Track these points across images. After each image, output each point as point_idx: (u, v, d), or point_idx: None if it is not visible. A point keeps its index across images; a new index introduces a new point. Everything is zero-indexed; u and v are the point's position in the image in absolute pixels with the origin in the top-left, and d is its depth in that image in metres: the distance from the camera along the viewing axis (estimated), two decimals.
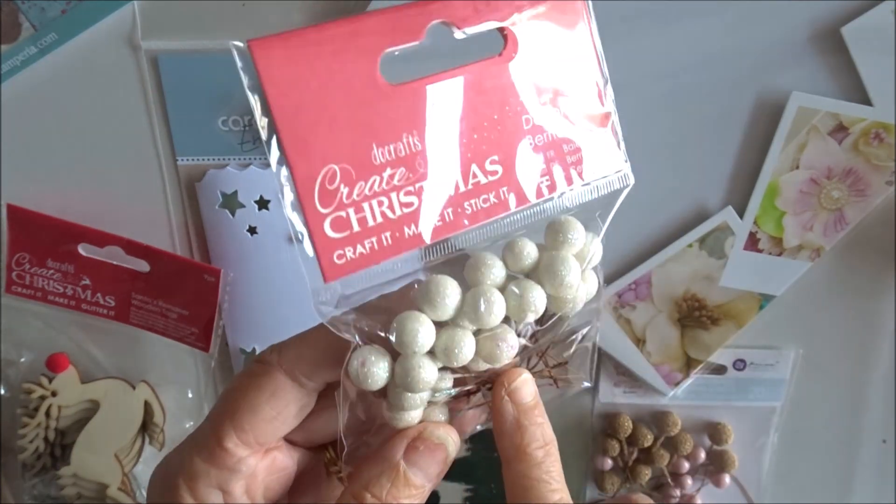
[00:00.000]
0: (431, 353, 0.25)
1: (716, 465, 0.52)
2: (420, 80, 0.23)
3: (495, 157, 0.24)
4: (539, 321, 0.26)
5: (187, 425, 0.51)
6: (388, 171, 0.23)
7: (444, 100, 0.24)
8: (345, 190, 0.23)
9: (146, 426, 0.49)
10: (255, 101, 0.23)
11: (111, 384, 0.48)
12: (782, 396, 0.50)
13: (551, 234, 0.25)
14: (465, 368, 0.26)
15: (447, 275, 0.25)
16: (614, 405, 0.52)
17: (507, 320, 0.25)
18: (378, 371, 0.24)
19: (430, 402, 0.26)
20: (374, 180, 0.23)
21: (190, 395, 0.50)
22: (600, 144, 0.26)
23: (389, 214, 0.23)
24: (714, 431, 0.51)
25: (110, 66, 0.42)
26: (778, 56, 0.42)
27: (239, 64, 0.23)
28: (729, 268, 0.45)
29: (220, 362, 0.50)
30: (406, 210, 0.23)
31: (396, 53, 0.23)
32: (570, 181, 0.25)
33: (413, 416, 0.26)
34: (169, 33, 0.41)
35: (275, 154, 0.22)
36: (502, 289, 0.25)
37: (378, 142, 0.23)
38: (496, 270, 0.25)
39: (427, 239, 0.24)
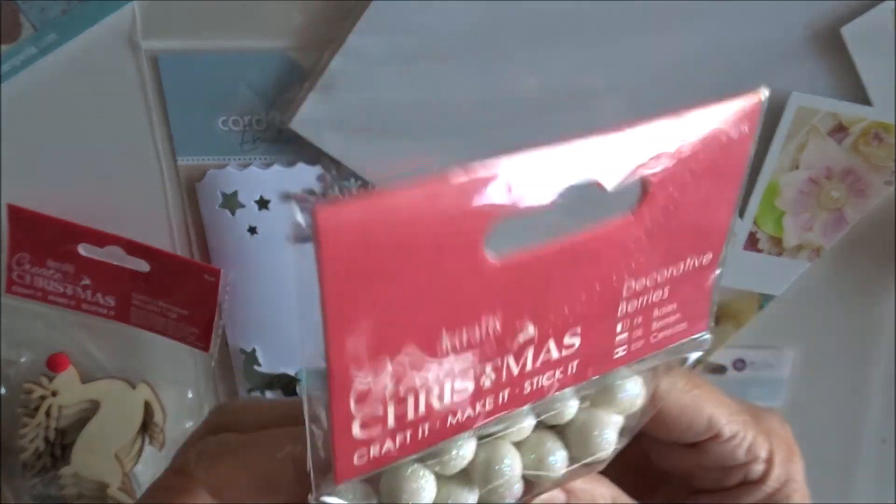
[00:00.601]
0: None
1: None
2: (529, 253, 0.17)
3: (577, 330, 0.19)
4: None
5: (187, 425, 0.51)
6: (451, 360, 0.18)
7: (550, 275, 0.18)
8: (390, 386, 0.17)
9: (146, 426, 0.49)
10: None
11: (111, 384, 0.48)
12: (782, 396, 0.50)
13: (601, 395, 0.22)
14: None
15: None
16: None
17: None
18: None
19: None
20: (430, 369, 0.17)
21: (190, 395, 0.50)
22: (694, 307, 0.21)
23: (436, 405, 0.18)
24: None
25: (110, 65, 0.42)
26: (778, 56, 0.42)
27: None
28: (729, 268, 0.45)
29: (220, 362, 0.50)
30: (457, 398, 0.18)
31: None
32: (646, 351, 0.21)
33: None
34: (169, 33, 0.41)
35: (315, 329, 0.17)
36: (523, 440, 0.21)
37: (450, 326, 0.17)
38: (526, 421, 0.21)
39: (471, 425, 0.19)
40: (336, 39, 0.40)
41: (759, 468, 0.26)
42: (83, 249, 0.45)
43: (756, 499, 0.26)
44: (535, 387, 0.20)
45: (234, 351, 0.50)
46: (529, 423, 0.21)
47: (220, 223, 0.45)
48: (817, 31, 0.41)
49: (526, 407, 0.20)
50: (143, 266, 0.45)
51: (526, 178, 0.16)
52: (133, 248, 0.45)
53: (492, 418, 0.19)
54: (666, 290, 0.20)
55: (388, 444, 0.18)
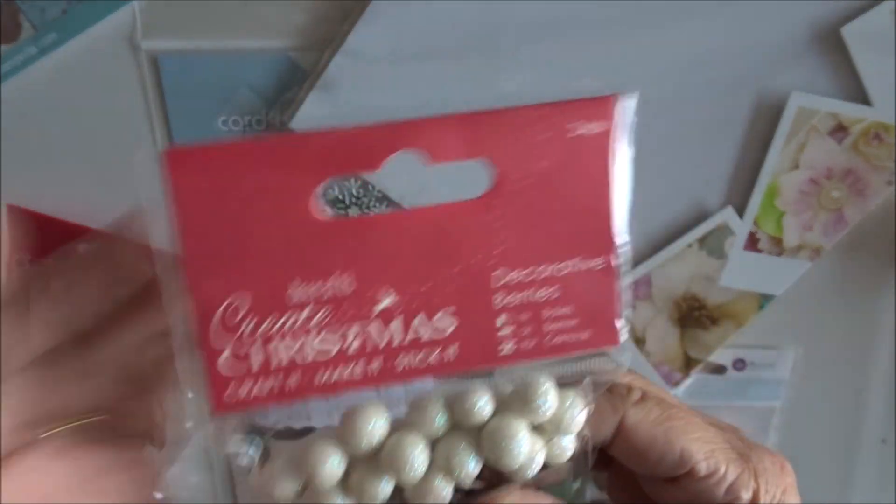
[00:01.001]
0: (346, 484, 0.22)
1: None
2: (366, 216, 0.21)
3: (448, 311, 0.21)
4: (490, 476, 0.23)
5: (187, 425, 0.51)
6: (308, 311, 0.20)
7: (395, 240, 0.20)
8: (249, 325, 0.20)
9: None
10: (156, 216, 0.19)
11: None
12: (782, 396, 0.50)
13: (515, 395, 0.22)
14: None
15: (380, 407, 0.22)
16: None
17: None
18: (288, 487, 0.22)
19: None
20: (288, 319, 0.20)
21: (190, 396, 0.50)
22: (596, 316, 0.22)
23: (299, 359, 0.20)
24: None
25: (110, 66, 0.42)
26: (778, 56, 0.42)
27: (146, 172, 0.19)
28: (729, 268, 0.45)
29: None
30: (321, 357, 0.20)
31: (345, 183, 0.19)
32: (539, 353, 0.21)
33: None
34: (169, 33, 0.41)
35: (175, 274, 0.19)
36: (438, 439, 0.22)
37: (301, 277, 0.20)
38: (438, 421, 0.22)
39: (341, 388, 0.21)
40: (336, 39, 0.40)
41: None
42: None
43: None
44: (408, 365, 0.21)
45: None
46: (438, 417, 0.22)
47: None
48: (817, 31, 0.41)
49: (435, 395, 0.22)
50: None
51: (356, 144, 0.19)
52: None
53: (364, 387, 0.21)
54: (554, 290, 0.21)
55: (257, 389, 0.21)
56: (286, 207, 0.19)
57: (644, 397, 0.25)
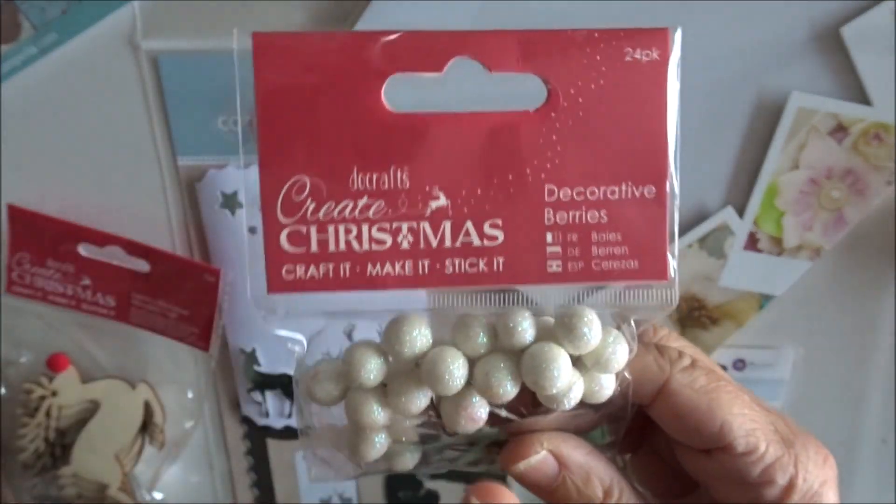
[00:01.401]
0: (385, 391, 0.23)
1: None
2: (427, 114, 0.21)
3: (497, 222, 0.21)
4: (525, 407, 0.23)
5: (187, 425, 0.51)
6: (365, 200, 0.21)
7: (452, 142, 0.21)
8: (311, 205, 0.21)
9: (146, 426, 0.49)
10: (241, 94, 0.22)
11: (111, 384, 0.48)
12: (782, 396, 0.50)
13: (559, 327, 0.22)
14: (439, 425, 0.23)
15: (424, 318, 0.22)
16: None
17: None
18: (328, 388, 0.23)
19: (399, 450, 0.24)
20: (347, 205, 0.21)
21: (190, 395, 0.50)
22: (644, 245, 0.22)
23: (355, 245, 0.21)
24: None
25: (110, 66, 0.42)
26: (778, 56, 0.42)
27: (236, 51, 0.22)
28: (728, 268, 0.45)
29: (220, 362, 0.50)
30: (375, 247, 0.21)
31: (411, 80, 0.21)
32: (586, 277, 0.22)
33: (368, 451, 0.23)
34: (169, 33, 0.41)
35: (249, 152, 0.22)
36: (478, 358, 0.22)
37: (361, 166, 0.21)
38: (480, 339, 0.22)
39: (390, 284, 0.21)
40: None
41: (773, 492, 0.23)
42: (83, 249, 0.45)
43: None
44: (457, 269, 0.22)
45: (234, 351, 0.50)
46: (480, 336, 0.22)
47: (220, 223, 0.45)
48: (817, 31, 0.41)
49: (478, 316, 0.22)
50: (143, 266, 0.45)
51: (422, 46, 0.21)
52: (133, 248, 0.45)
53: (413, 286, 0.22)
54: (603, 213, 0.22)
55: (313, 271, 0.22)
56: (354, 98, 0.21)
57: (694, 364, 0.24)
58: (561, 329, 0.22)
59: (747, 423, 0.23)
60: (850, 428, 0.51)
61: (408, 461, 0.24)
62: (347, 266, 0.22)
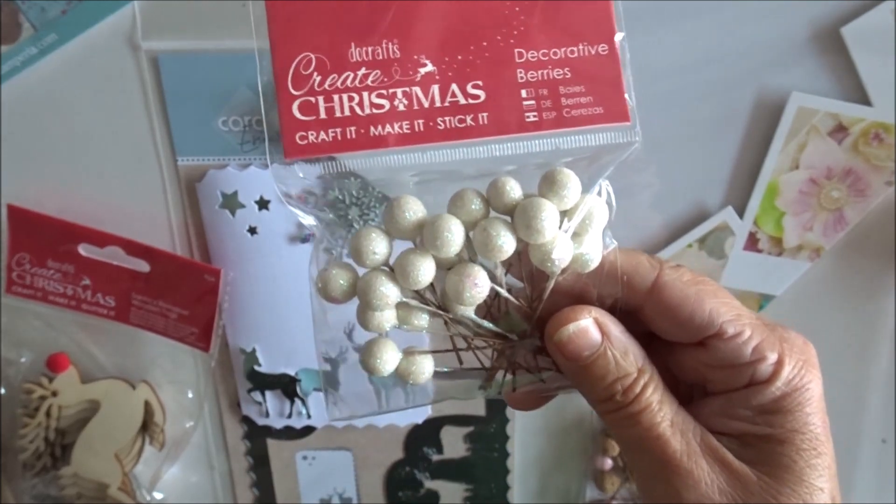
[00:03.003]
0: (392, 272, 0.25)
1: None
2: None
3: (479, 83, 0.25)
4: (523, 279, 0.26)
5: (187, 425, 0.51)
6: (363, 71, 0.25)
7: (433, 17, 0.25)
8: (317, 78, 0.25)
9: (146, 426, 0.49)
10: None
11: (111, 384, 0.48)
12: None
13: (542, 183, 0.25)
14: (444, 310, 0.26)
15: (417, 200, 0.25)
16: None
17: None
18: (338, 280, 0.25)
19: (410, 351, 0.27)
20: (348, 76, 0.25)
21: (190, 395, 0.50)
22: (606, 95, 0.25)
23: (358, 111, 0.25)
24: None
25: (110, 66, 0.42)
26: (778, 56, 0.42)
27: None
28: (729, 268, 0.45)
29: (220, 362, 0.50)
30: (375, 111, 0.25)
31: None
32: (559, 124, 0.25)
33: (380, 324, 0.26)
34: (169, 33, 0.41)
35: (261, 37, 0.25)
36: (476, 222, 0.25)
37: (357, 41, 0.25)
38: (474, 205, 0.25)
39: (392, 142, 0.25)
40: None
41: (766, 368, 0.25)
42: (83, 249, 0.45)
43: (764, 399, 0.25)
44: (448, 125, 0.25)
45: (234, 351, 0.50)
46: (474, 202, 0.25)
47: (220, 223, 0.45)
48: (817, 31, 0.41)
49: (469, 188, 0.25)
50: (143, 266, 0.46)
51: None
52: (133, 249, 0.45)
53: (413, 143, 0.25)
54: (567, 70, 0.25)
55: (323, 135, 0.25)
56: None
57: (679, 266, 0.27)
58: (545, 183, 0.25)
59: (732, 309, 0.25)
60: (850, 428, 0.51)
61: (424, 369, 0.27)
62: (353, 129, 0.25)
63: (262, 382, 0.50)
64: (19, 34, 0.41)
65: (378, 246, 0.25)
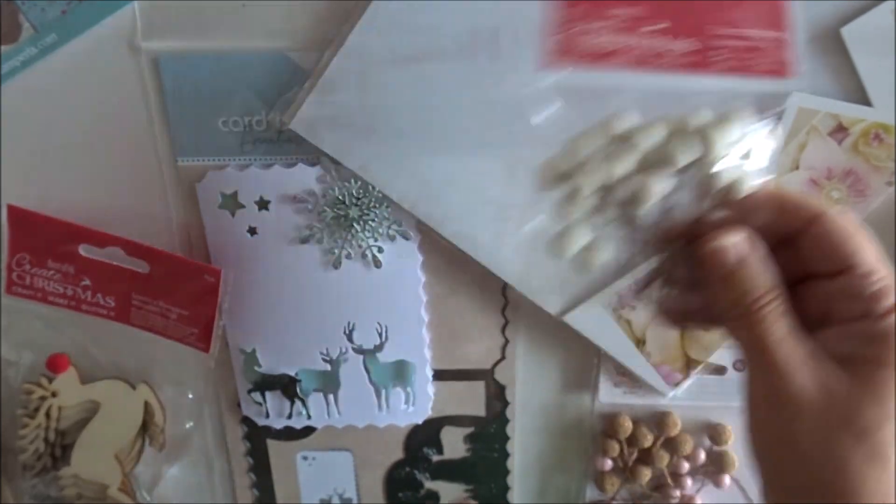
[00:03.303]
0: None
1: (716, 466, 0.52)
2: None
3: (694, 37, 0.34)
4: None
5: (187, 426, 0.51)
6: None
7: None
8: None
9: (146, 427, 0.49)
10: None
11: (111, 385, 0.48)
12: None
13: (724, 115, 0.32)
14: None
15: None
16: (614, 405, 0.52)
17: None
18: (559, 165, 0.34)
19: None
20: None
21: (190, 396, 0.50)
22: (776, 57, 0.34)
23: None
24: (714, 432, 0.51)
25: (111, 66, 0.42)
26: None
27: None
28: None
29: (220, 362, 0.50)
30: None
31: None
32: (740, 70, 0.34)
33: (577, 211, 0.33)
34: (169, 34, 0.41)
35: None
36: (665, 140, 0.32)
37: None
38: (670, 124, 0.32)
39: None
40: (336, 39, 0.40)
41: (883, 305, 0.29)
42: (83, 250, 0.45)
43: (875, 330, 0.29)
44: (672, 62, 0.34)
45: (234, 351, 0.50)
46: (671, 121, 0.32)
47: (220, 223, 0.45)
48: (817, 31, 0.41)
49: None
50: (143, 266, 0.46)
51: None
52: (133, 249, 0.45)
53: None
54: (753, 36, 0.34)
55: None
56: None
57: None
58: (726, 115, 0.32)
59: (873, 253, 0.30)
60: None
61: (602, 255, 0.34)
62: None
63: (262, 383, 0.50)
64: (19, 34, 0.41)
65: (584, 145, 0.33)
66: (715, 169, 0.32)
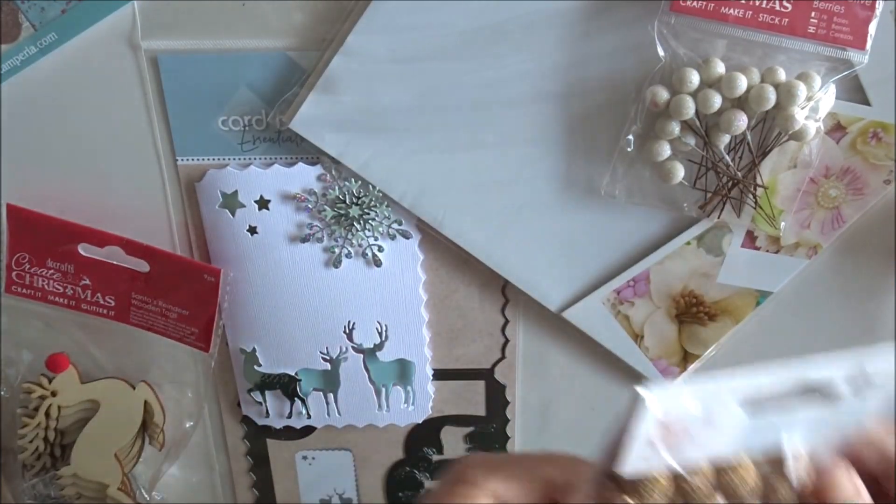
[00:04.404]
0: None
1: None
2: None
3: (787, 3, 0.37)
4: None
5: (187, 425, 0.51)
6: None
7: None
8: None
9: (146, 426, 0.49)
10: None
11: (111, 384, 0.48)
12: None
13: (800, 76, 0.38)
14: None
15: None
16: None
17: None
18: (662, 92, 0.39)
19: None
20: None
21: (190, 395, 0.50)
22: (856, 29, 0.37)
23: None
24: None
25: (110, 65, 0.42)
26: None
27: None
28: (726, 265, 0.45)
29: (220, 362, 0.50)
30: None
31: None
32: (826, 39, 0.38)
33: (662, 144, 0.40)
34: (169, 33, 0.41)
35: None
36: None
37: None
38: (755, 76, 0.39)
39: (731, 20, 0.37)
40: (336, 39, 0.40)
41: None
42: (83, 249, 0.45)
43: None
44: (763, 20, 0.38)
45: (234, 351, 0.50)
46: (756, 72, 0.39)
47: (220, 223, 0.45)
48: None
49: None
50: (143, 266, 0.46)
51: None
52: (133, 248, 0.45)
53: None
54: (841, 7, 0.37)
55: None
56: None
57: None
58: (801, 76, 0.38)
59: None
60: None
61: (679, 173, 0.41)
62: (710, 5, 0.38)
63: (262, 383, 0.50)
64: (19, 33, 0.41)
65: (691, 81, 0.39)
66: (788, 114, 0.39)
